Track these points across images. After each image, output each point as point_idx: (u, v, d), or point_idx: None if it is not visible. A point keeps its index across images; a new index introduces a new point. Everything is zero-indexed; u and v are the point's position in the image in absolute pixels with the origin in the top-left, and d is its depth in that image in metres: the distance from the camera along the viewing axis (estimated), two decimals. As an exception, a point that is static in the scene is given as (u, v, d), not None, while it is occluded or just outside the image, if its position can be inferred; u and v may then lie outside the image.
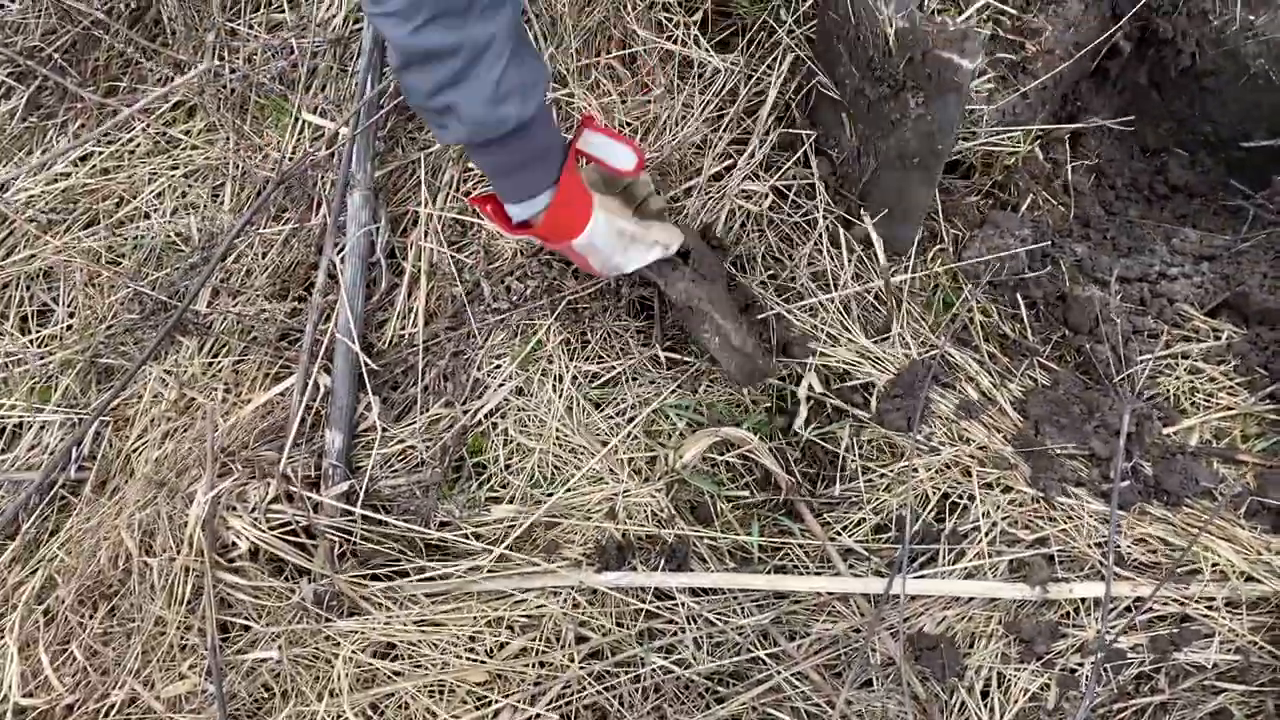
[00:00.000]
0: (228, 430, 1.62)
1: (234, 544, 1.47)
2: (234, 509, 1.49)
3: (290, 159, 1.80)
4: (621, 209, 1.53)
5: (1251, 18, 1.83)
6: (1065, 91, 1.97)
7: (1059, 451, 1.58)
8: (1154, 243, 1.79)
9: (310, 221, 1.78)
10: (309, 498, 1.51)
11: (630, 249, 1.48)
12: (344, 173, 1.73)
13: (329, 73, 1.85)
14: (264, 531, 1.47)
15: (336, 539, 1.53)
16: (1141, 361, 1.62)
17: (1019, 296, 1.71)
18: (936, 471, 1.61)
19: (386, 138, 1.80)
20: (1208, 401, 1.61)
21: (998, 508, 1.57)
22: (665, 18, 1.79)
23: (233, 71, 1.87)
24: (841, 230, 1.72)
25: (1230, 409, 1.60)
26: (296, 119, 1.83)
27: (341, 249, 1.72)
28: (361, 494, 1.57)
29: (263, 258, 1.79)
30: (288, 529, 1.52)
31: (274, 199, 1.76)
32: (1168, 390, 1.62)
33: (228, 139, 1.85)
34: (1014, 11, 1.81)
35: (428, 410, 1.65)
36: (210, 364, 1.73)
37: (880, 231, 1.70)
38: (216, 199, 1.84)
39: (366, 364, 1.64)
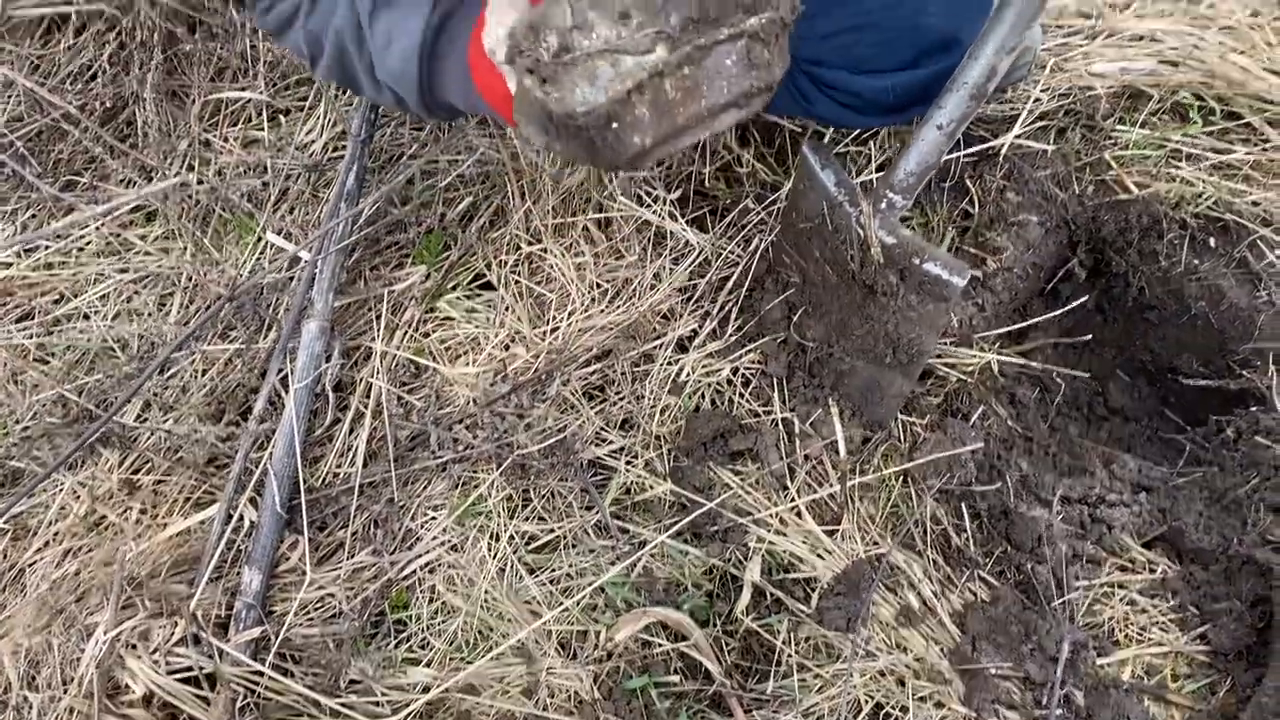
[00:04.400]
0: (138, 556, 1.52)
1: (128, 686, 1.36)
2: (134, 648, 1.38)
3: (248, 277, 1.75)
4: None
5: (1196, 262, 1.92)
6: (1018, 306, 2.03)
7: (994, 671, 1.56)
8: (1094, 465, 1.82)
9: (258, 343, 1.72)
10: (215, 645, 1.41)
11: None
12: (300, 299, 1.69)
13: (299, 196, 1.82)
14: (163, 676, 1.36)
15: (240, 689, 1.43)
16: (1079, 588, 1.63)
17: (964, 506, 1.71)
18: (871, 678, 1.57)
19: (350, 268, 1.77)
20: (1141, 636, 1.62)
21: (929, 723, 1.54)
22: (646, 190, 1.81)
23: (200, 183, 1.83)
24: (797, 421, 1.72)
25: (1162, 645, 1.61)
26: (260, 238, 1.79)
27: (284, 374, 1.66)
28: (275, 643, 1.48)
29: (202, 374, 1.71)
30: (189, 674, 1.41)
31: (223, 315, 1.70)
32: (1104, 620, 1.62)
33: (185, 249, 1.79)
34: (978, 226, 1.87)
35: (354, 557, 1.58)
36: (129, 480, 1.63)
37: (851, 417, 1.72)
38: (163, 308, 1.77)
39: (298, 501, 1.57)
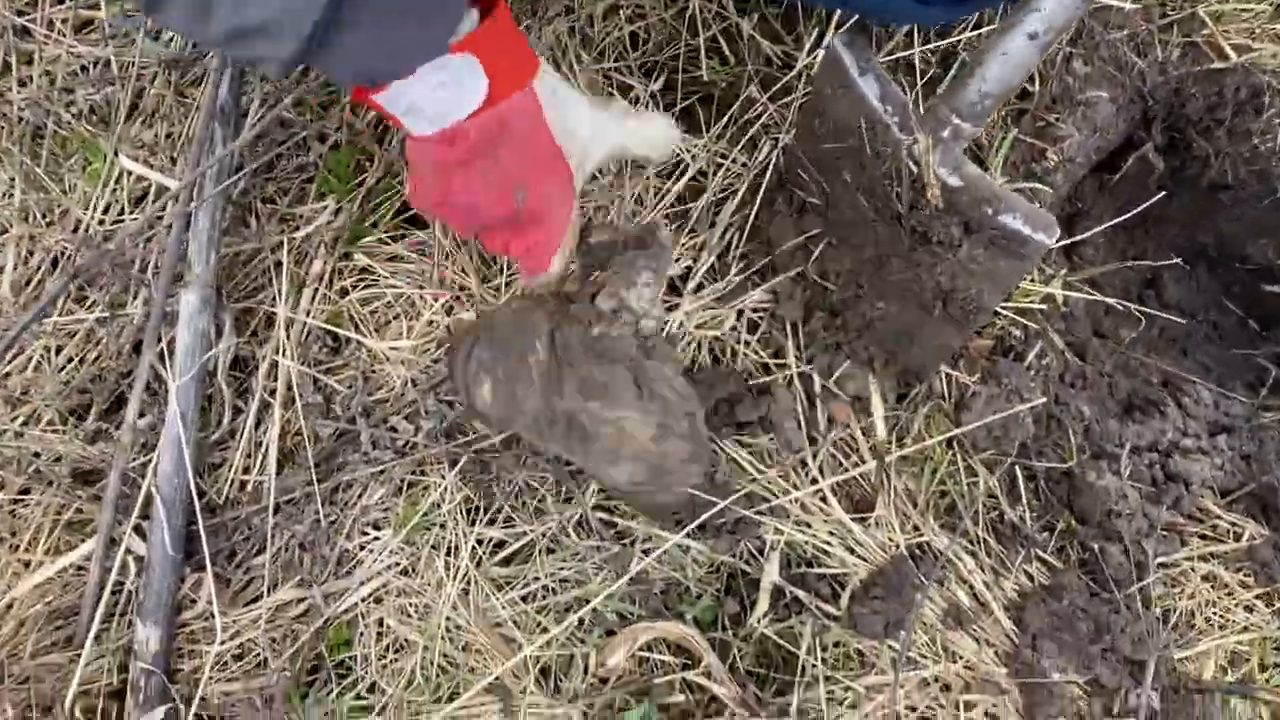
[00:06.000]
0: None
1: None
2: (-6, 763, 1.07)
3: (101, 223, 1.33)
4: None
5: (1292, 137, 1.56)
6: (1069, 194, 1.68)
7: (1058, 675, 1.32)
8: (1164, 401, 1.52)
9: (127, 309, 1.33)
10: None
11: (608, 111, 1.06)
12: (173, 253, 1.28)
13: (160, 104, 1.37)
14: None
15: (144, 790, 1.14)
16: (1156, 568, 1.37)
17: (1018, 470, 1.42)
18: (912, 689, 1.32)
19: (237, 202, 1.35)
20: (1224, 619, 1.38)
21: (980, 738, 1.31)
22: (617, 76, 1.38)
23: (22, 86, 1.37)
24: (817, 378, 1.38)
25: (1249, 630, 1.37)
26: (112, 165, 1.35)
27: (163, 350, 1.28)
28: (188, 716, 1.18)
29: (56, 354, 1.33)
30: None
31: (76, 276, 1.29)
32: (1182, 605, 1.37)
33: (12, 181, 1.35)
34: (1038, 109, 1.48)
35: (276, 591, 1.26)
36: (-25, 501, 1.27)
37: (884, 367, 1.39)
38: (-8, 265, 1.35)
39: (196, 526, 1.23)
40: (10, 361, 1.31)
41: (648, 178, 1.38)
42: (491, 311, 1.12)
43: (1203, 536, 1.41)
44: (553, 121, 0.97)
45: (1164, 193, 1.72)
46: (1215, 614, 1.37)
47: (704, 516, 1.27)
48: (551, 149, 0.99)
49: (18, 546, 1.26)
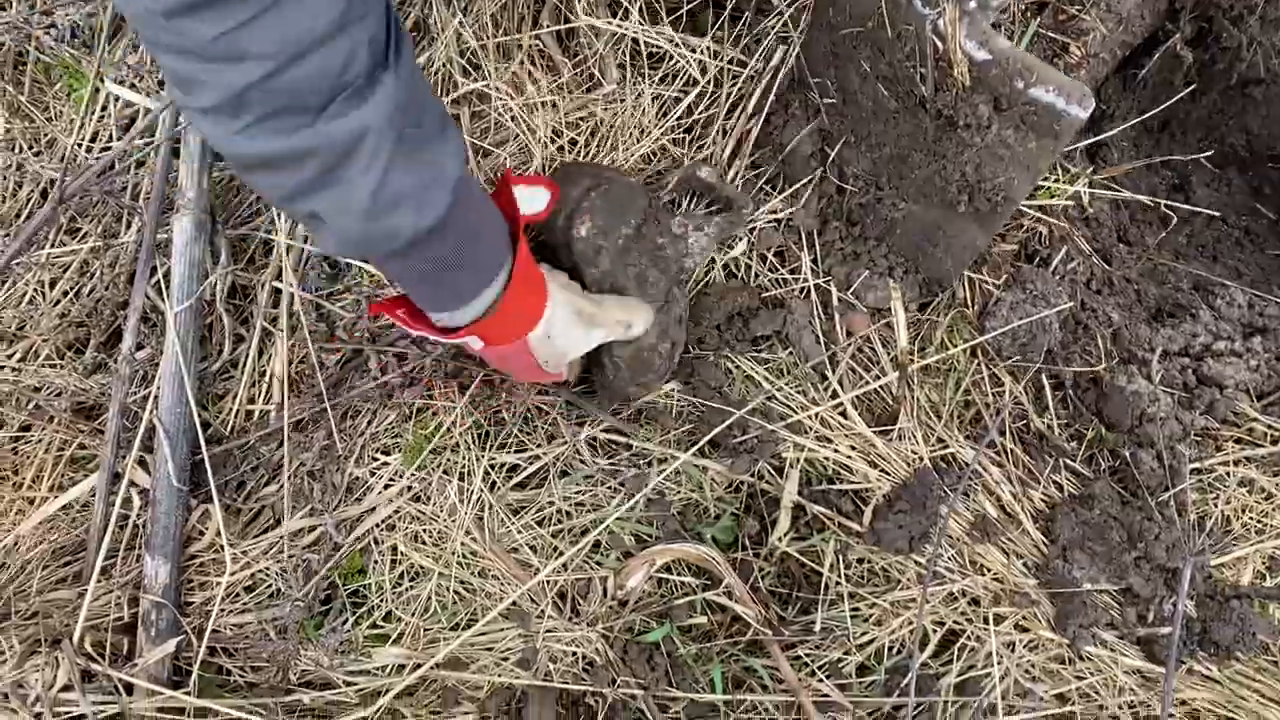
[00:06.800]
0: (2, 555, 1.17)
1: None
2: (5, 698, 1.05)
3: (89, 150, 1.29)
4: (569, 280, 1.14)
5: (1328, 25, 1.49)
6: (1093, 93, 1.61)
7: (1089, 586, 1.28)
8: (1195, 304, 1.47)
9: (121, 238, 1.29)
10: (117, 678, 1.08)
11: (588, 332, 1.12)
12: (161, 181, 1.24)
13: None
14: (49, 735, 1.04)
15: (159, 721, 1.12)
16: (1192, 476, 1.32)
17: (1045, 377, 1.38)
18: (939, 603, 1.29)
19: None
20: (1262, 524, 1.33)
21: (1012, 649, 1.27)
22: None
23: (1, 10, 1.32)
24: (835, 289, 1.33)
25: (1285, 533, 1.33)
26: (97, 90, 1.30)
27: (158, 280, 1.24)
28: (200, 652, 1.15)
29: (50, 287, 1.29)
30: None
31: (64, 205, 1.25)
32: (1218, 510, 1.33)
33: (-5, 111, 1.31)
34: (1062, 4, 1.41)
35: (286, 520, 1.23)
36: (-23, 439, 1.25)
37: (904, 275, 1.34)
38: (-20, 198, 1.32)
39: (201, 456, 1.20)
40: (3, 295, 1.27)
41: (650, 90, 1.32)
42: (616, 171, 1.27)
43: (1238, 440, 1.36)
44: (540, 352, 1.07)
45: (1192, 88, 1.65)
46: (1252, 519, 1.33)
47: (716, 430, 1.24)
48: (534, 368, 1.10)
49: (21, 484, 1.24)
